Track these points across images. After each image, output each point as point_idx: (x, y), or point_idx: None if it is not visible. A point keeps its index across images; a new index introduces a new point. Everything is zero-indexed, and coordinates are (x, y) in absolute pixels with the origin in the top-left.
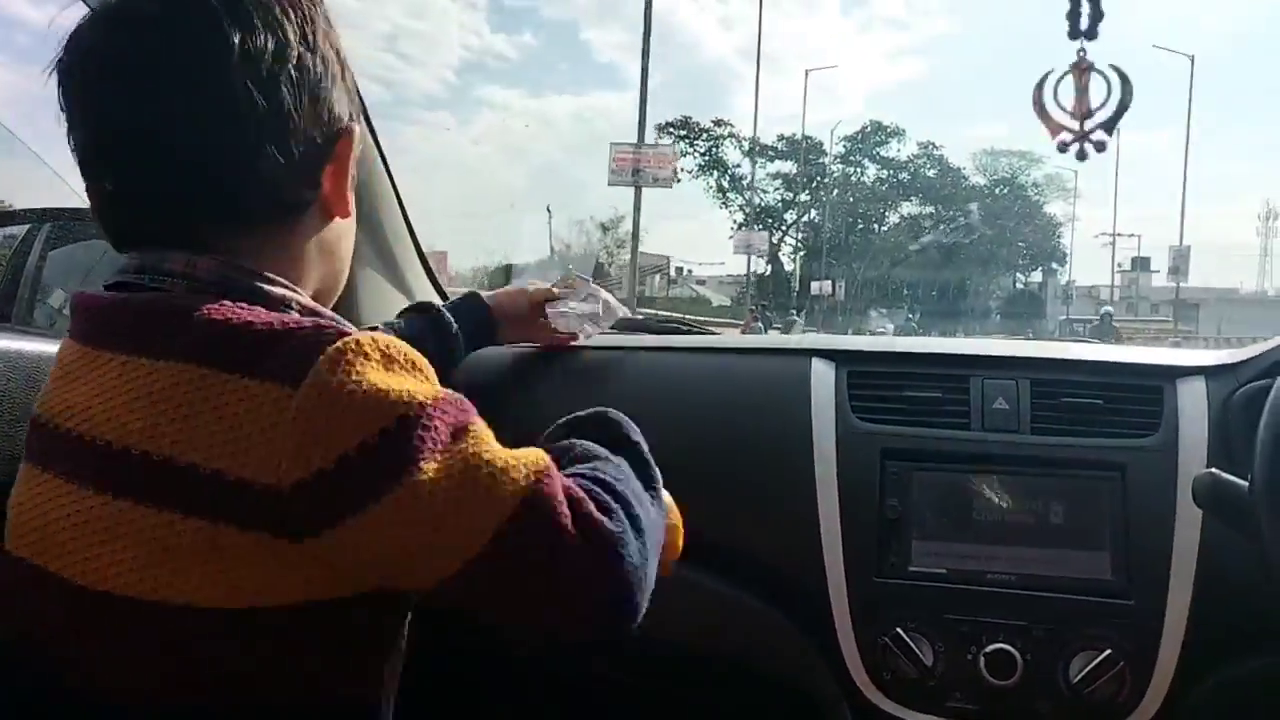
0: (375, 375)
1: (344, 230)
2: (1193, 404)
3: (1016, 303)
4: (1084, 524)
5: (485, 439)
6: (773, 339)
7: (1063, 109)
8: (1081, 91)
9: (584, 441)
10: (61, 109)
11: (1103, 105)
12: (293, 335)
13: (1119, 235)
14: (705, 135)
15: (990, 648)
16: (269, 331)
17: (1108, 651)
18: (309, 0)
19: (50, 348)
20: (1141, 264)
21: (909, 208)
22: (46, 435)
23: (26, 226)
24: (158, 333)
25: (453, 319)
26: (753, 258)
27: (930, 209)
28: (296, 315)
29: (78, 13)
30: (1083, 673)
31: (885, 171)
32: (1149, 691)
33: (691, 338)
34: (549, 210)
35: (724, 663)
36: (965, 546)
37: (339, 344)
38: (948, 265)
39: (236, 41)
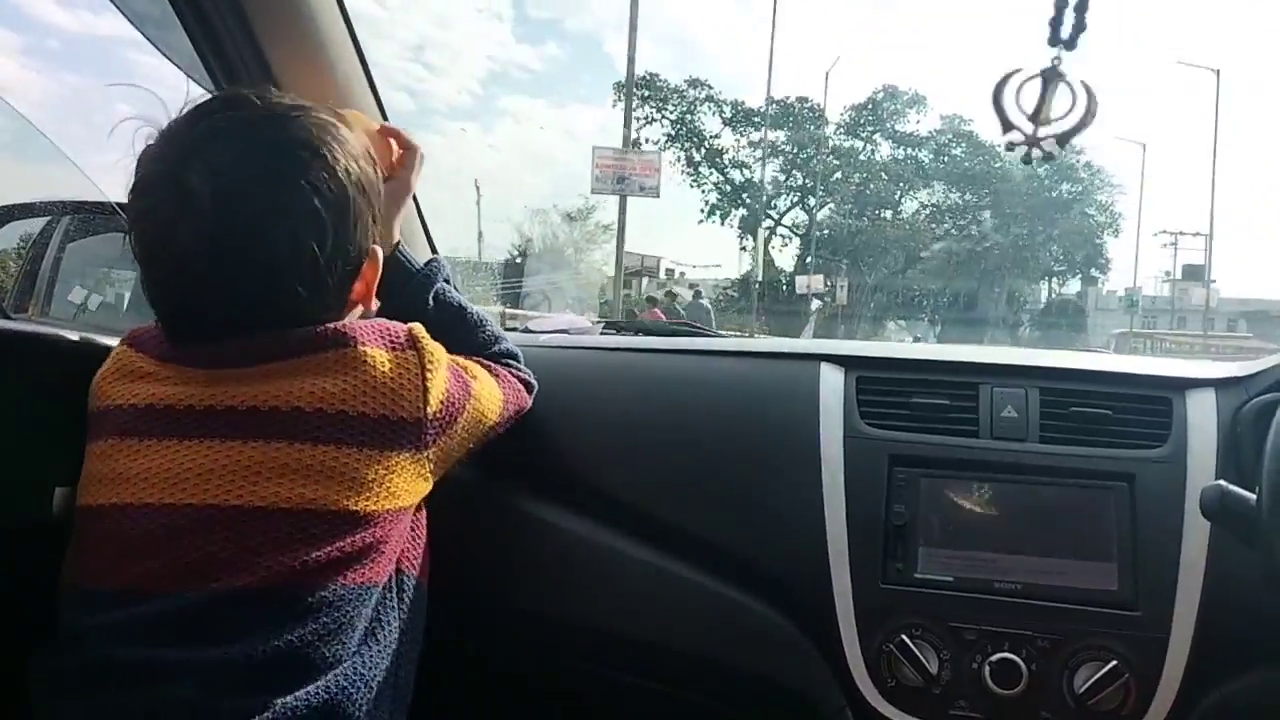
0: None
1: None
2: (1202, 416)
3: (1054, 313)
4: (1091, 534)
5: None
6: (782, 343)
7: (1020, 109)
8: (1045, 98)
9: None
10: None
11: (1062, 117)
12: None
13: (1181, 234)
14: (676, 98)
15: (995, 656)
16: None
17: (1113, 663)
18: (339, 150)
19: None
20: (1190, 272)
21: (930, 194)
22: (194, 413)
23: (45, 220)
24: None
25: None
26: (745, 255)
27: (957, 196)
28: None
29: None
30: (1088, 683)
31: (901, 149)
32: (1154, 703)
33: (699, 340)
34: (477, 187)
35: (727, 667)
36: (972, 554)
37: (413, 327)
38: (972, 269)
39: (286, 218)
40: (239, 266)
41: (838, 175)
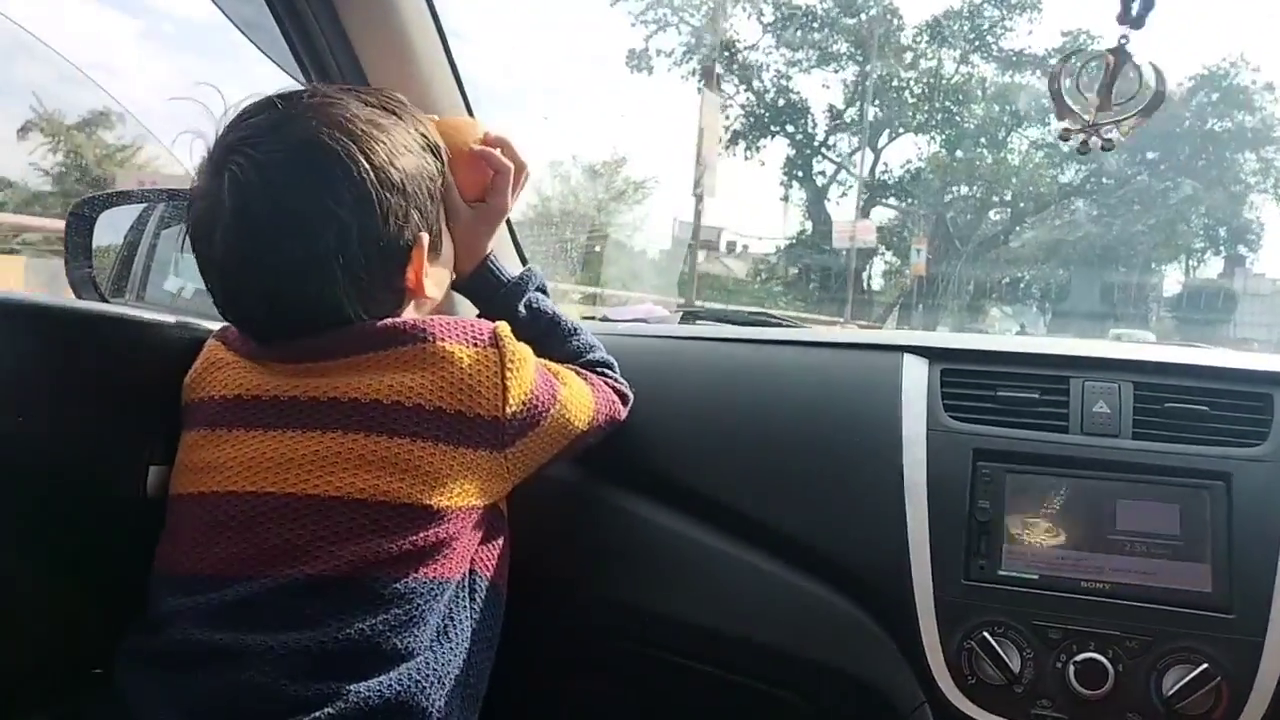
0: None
1: (441, 281)
2: None
3: (1193, 303)
4: (1185, 534)
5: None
6: (864, 333)
7: (1082, 93)
8: (1108, 81)
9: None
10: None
11: (1126, 101)
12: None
13: None
14: None
15: (1080, 656)
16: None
17: (1204, 666)
18: (359, 145)
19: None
20: None
21: (1046, 130)
22: (279, 404)
23: (142, 206)
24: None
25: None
26: (789, 210)
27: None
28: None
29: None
30: (1176, 687)
31: (1006, 73)
32: (1246, 710)
33: (779, 330)
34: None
35: (806, 660)
36: (1058, 552)
37: (497, 326)
38: (1093, 243)
39: (331, 217)
40: (265, 272)
41: (917, 97)
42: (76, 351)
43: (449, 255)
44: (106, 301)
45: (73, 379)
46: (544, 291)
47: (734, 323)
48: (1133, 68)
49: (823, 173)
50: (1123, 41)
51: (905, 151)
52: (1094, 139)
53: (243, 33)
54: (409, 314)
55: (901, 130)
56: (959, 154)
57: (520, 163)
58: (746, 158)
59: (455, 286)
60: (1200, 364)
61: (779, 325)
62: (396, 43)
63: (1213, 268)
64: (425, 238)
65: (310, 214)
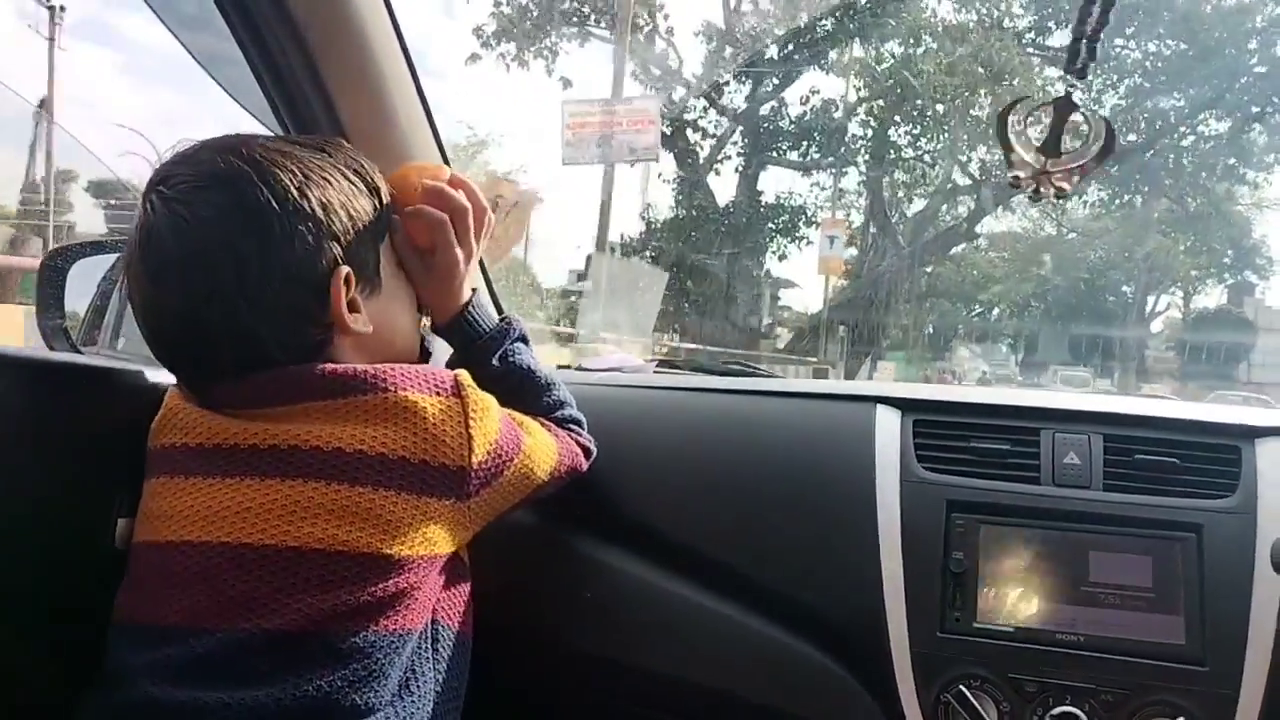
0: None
1: (385, 324)
2: (1273, 465)
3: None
4: (1157, 586)
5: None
6: (837, 384)
7: (1029, 141)
8: (1056, 131)
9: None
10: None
11: (1075, 151)
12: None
13: None
14: None
15: (1057, 710)
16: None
17: (1180, 719)
18: (290, 166)
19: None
20: None
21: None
22: (238, 451)
23: (115, 255)
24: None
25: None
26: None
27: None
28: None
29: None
30: None
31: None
32: None
33: (753, 380)
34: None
35: (780, 712)
36: (1033, 604)
37: (459, 374)
38: (1078, 265)
39: (236, 256)
40: (174, 313)
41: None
42: (45, 402)
43: (402, 293)
44: (79, 351)
45: (41, 429)
46: (525, 341)
47: (709, 371)
48: (1081, 116)
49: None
50: (1069, 92)
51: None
52: (1045, 188)
53: (215, 80)
54: (348, 354)
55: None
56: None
57: (461, 206)
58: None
59: (436, 333)
60: (1169, 416)
61: (755, 374)
62: (373, 93)
63: (1212, 297)
64: (345, 270)
65: (210, 246)
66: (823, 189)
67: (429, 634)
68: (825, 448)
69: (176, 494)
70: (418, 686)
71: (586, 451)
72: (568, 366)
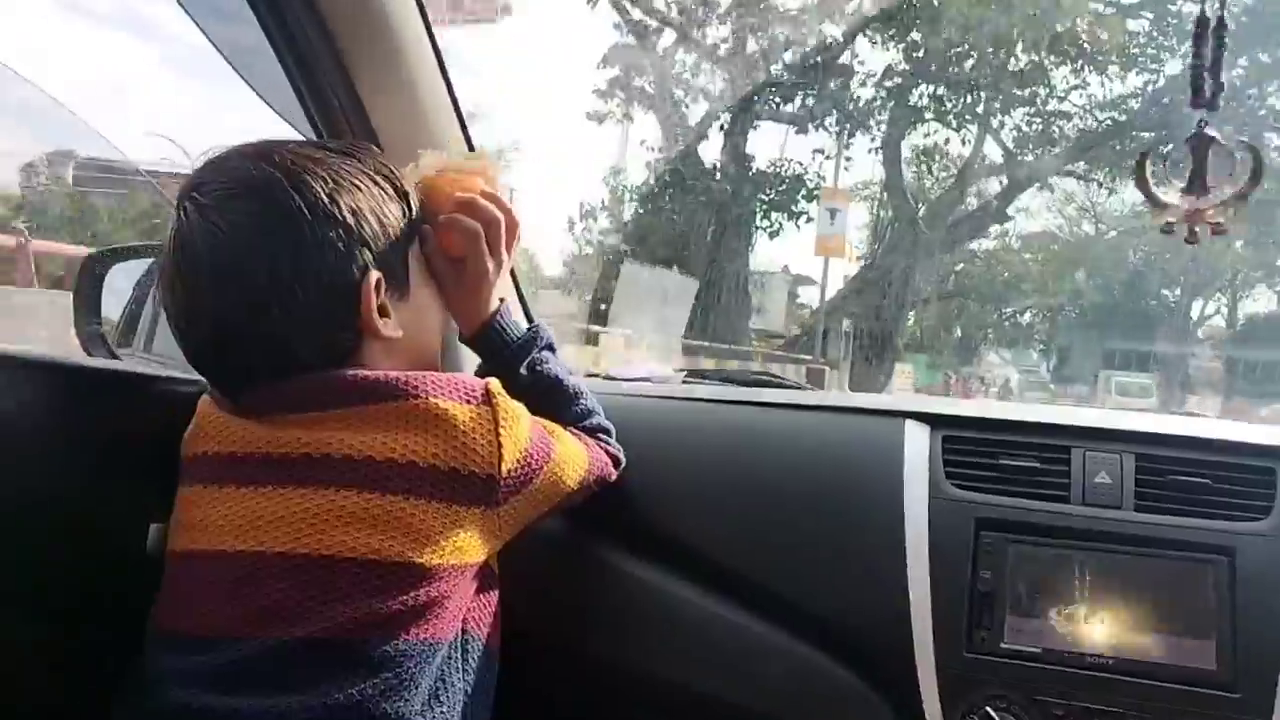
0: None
1: (414, 329)
2: None
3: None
4: (1189, 609)
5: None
6: (866, 398)
7: (1171, 184)
8: (1198, 168)
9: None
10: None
11: (1223, 183)
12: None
13: None
14: None
15: None
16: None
17: None
18: (320, 172)
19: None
20: None
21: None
22: (270, 460)
23: (149, 260)
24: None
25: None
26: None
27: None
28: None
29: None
30: None
31: None
32: None
33: (782, 392)
34: None
35: None
36: (1061, 625)
37: (489, 382)
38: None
39: (268, 262)
40: (208, 318)
41: None
42: (79, 408)
43: (430, 301)
44: (115, 357)
45: (75, 435)
46: (551, 350)
47: (737, 383)
48: (1218, 149)
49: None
50: (1201, 125)
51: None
52: (1200, 226)
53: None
54: (379, 359)
55: None
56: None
57: (492, 217)
58: None
59: (464, 342)
60: (1202, 436)
61: (783, 386)
62: (403, 92)
63: (1261, 302)
64: (375, 275)
65: (243, 253)
66: (826, 156)
67: (459, 643)
68: (853, 462)
69: (210, 503)
70: (447, 695)
71: (615, 460)
72: (596, 374)
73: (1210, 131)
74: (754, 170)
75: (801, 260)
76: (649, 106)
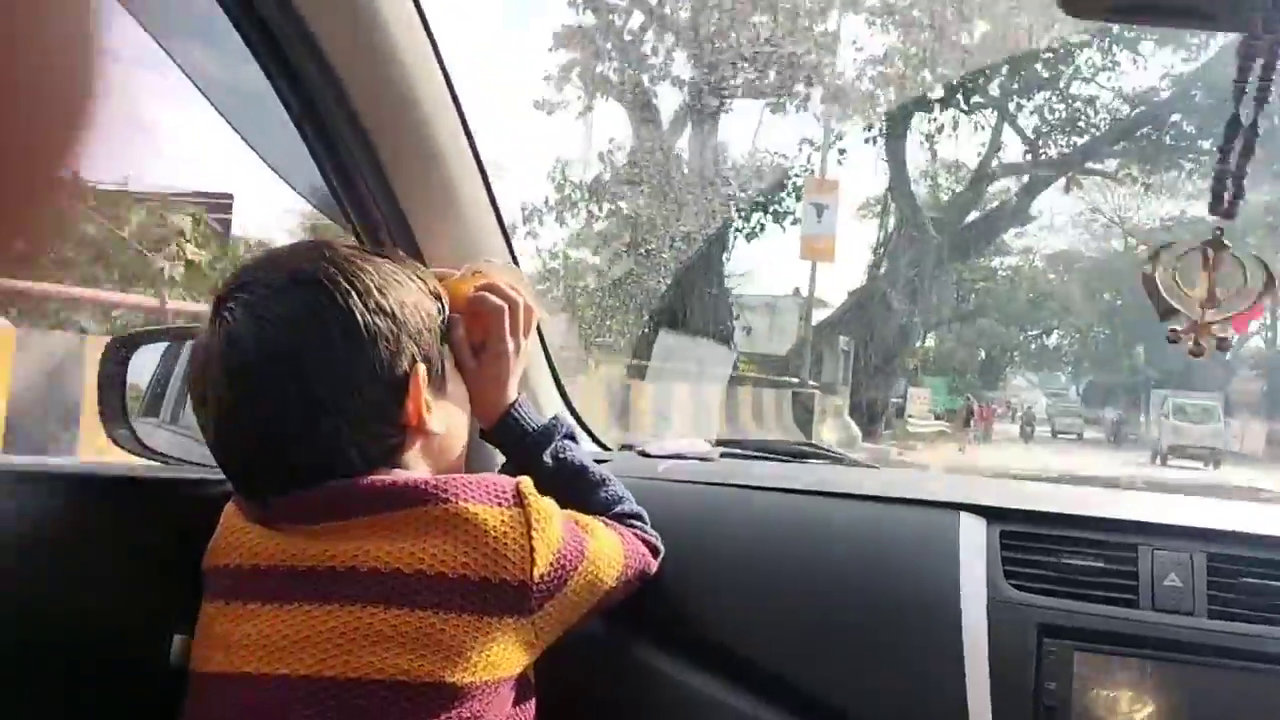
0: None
1: (450, 426)
2: None
3: None
4: None
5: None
6: (917, 484)
7: (1181, 289)
8: (1209, 274)
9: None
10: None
11: (1234, 295)
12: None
13: None
14: None
15: None
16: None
17: None
18: (369, 269)
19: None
20: None
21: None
22: (295, 574)
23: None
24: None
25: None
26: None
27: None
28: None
29: None
30: None
31: None
32: None
33: (827, 472)
34: None
35: None
36: None
37: (520, 482)
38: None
39: (318, 367)
40: (259, 419)
41: None
42: (100, 515)
43: (460, 396)
44: (148, 454)
45: (98, 545)
46: (572, 439)
47: (777, 454)
48: (1234, 260)
49: None
50: (1218, 233)
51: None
52: (1204, 339)
53: (292, 187)
54: (417, 459)
55: None
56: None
57: (511, 301)
58: None
59: (482, 435)
60: (1278, 534)
61: (825, 455)
62: (448, 211)
63: None
64: (422, 368)
65: (299, 351)
66: (815, 147)
67: None
68: (905, 559)
69: (234, 620)
70: None
71: (654, 550)
72: (630, 447)
73: (1225, 240)
74: (729, 164)
75: (786, 267)
76: (611, 94)
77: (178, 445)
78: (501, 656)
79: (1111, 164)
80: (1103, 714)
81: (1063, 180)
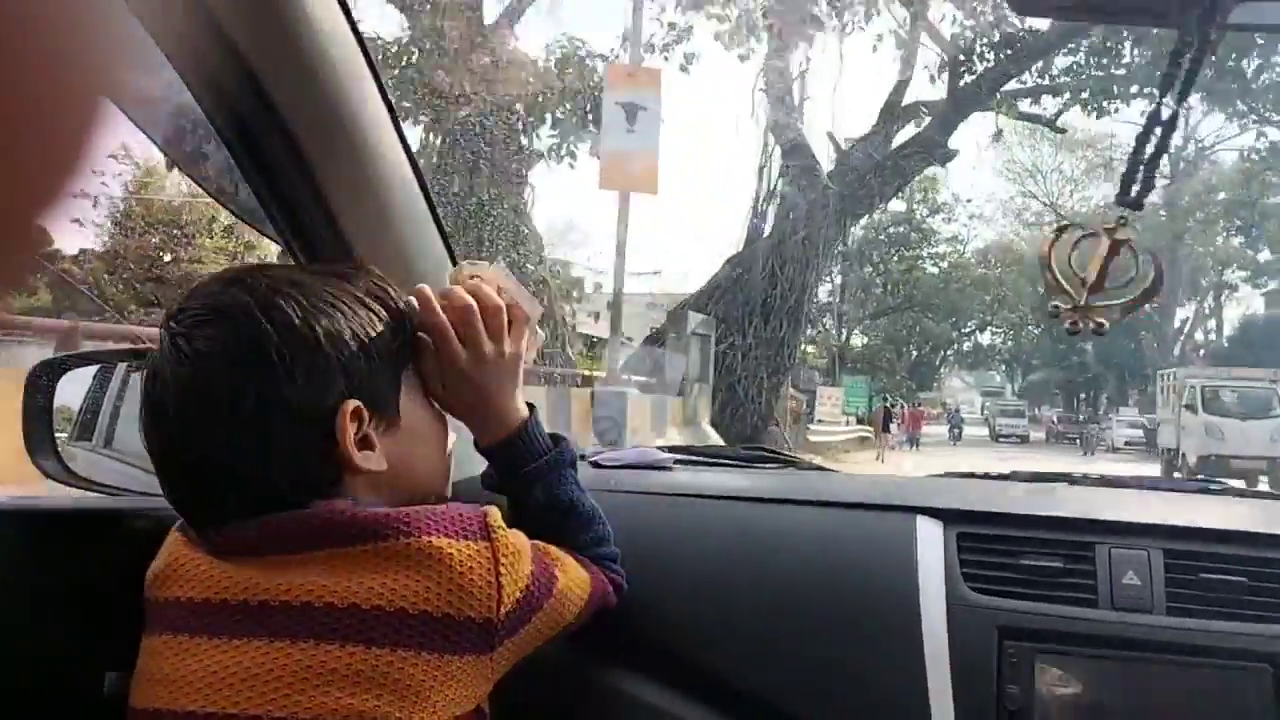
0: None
1: (405, 462)
2: None
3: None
4: None
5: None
6: (872, 489)
7: (1074, 271)
8: (1104, 262)
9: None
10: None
11: (1121, 286)
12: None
13: None
14: None
15: None
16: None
17: None
18: (296, 295)
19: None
20: None
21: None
22: (246, 608)
23: (99, 365)
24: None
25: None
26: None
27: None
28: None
29: None
30: None
31: None
32: None
33: (782, 477)
34: None
35: None
36: None
37: (487, 512)
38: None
39: (235, 401)
40: (183, 452)
41: None
42: (30, 551)
43: (425, 430)
44: (80, 482)
45: (30, 579)
46: (574, 466)
47: (729, 459)
48: (1130, 252)
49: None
50: (1121, 222)
51: None
52: (1083, 321)
53: (217, 199)
54: (364, 492)
55: None
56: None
57: (494, 304)
58: None
59: (480, 452)
60: (1233, 528)
61: (780, 460)
62: (377, 206)
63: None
64: (353, 403)
65: (207, 381)
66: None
67: None
68: (863, 565)
69: (178, 655)
70: None
71: (618, 588)
72: (582, 459)
73: (1128, 233)
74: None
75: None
76: None
77: (112, 472)
78: (460, 694)
79: (1052, 106)
80: (1065, 716)
81: (990, 123)
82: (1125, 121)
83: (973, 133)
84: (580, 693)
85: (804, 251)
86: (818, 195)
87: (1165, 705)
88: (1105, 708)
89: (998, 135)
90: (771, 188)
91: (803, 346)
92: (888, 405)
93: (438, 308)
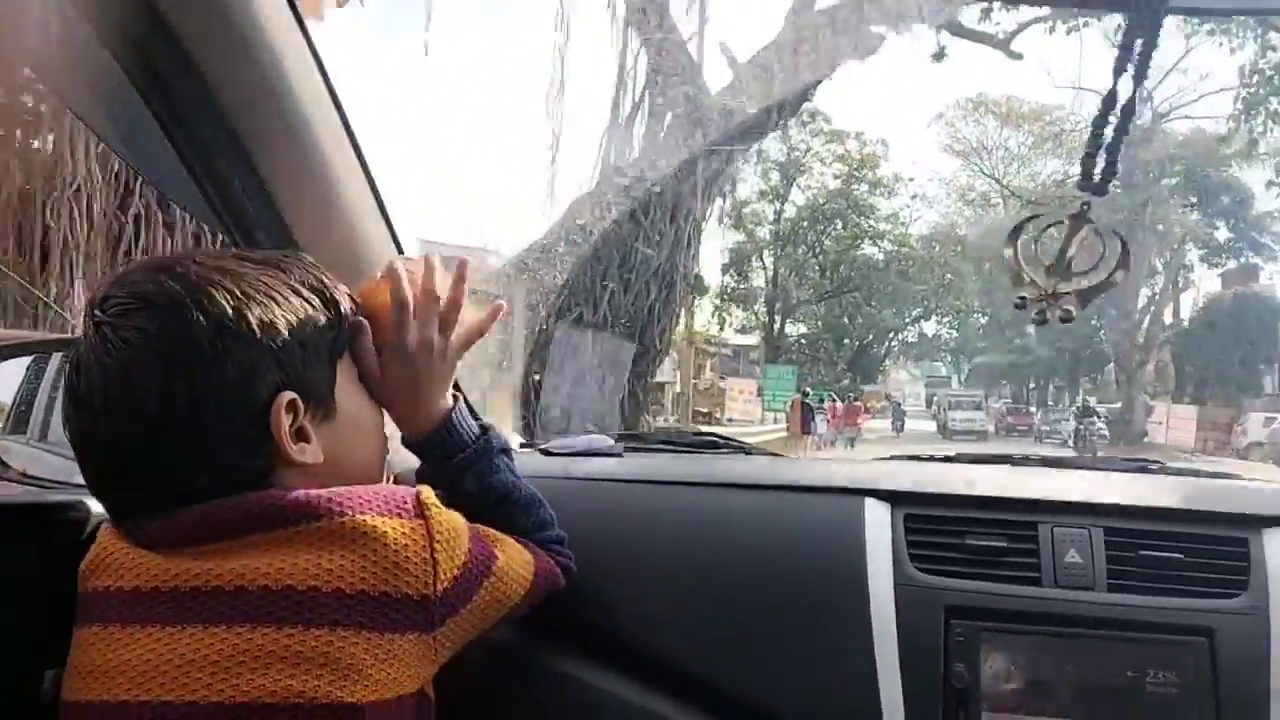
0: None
1: (341, 452)
2: None
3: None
4: (1170, 694)
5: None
6: (822, 473)
7: (1038, 260)
8: (1066, 247)
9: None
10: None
11: (1086, 272)
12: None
13: None
14: None
15: None
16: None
17: None
18: (228, 285)
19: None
20: None
21: None
22: (178, 595)
23: (34, 356)
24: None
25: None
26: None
27: None
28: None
29: None
30: None
31: None
32: None
33: (729, 464)
34: None
35: None
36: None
37: (421, 491)
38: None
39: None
40: (102, 445)
41: None
42: None
43: (361, 420)
44: (13, 476)
45: None
46: (506, 454)
47: (679, 444)
48: (1094, 234)
49: None
50: (1084, 208)
51: None
52: (1050, 310)
53: (157, 187)
54: (298, 484)
55: None
56: None
57: (417, 293)
58: None
59: (407, 446)
60: (1171, 507)
61: (729, 446)
62: (321, 195)
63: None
64: (287, 395)
65: (134, 373)
66: None
67: None
68: (812, 547)
69: (110, 645)
70: None
71: (567, 570)
72: (530, 447)
73: (1090, 215)
74: None
75: None
76: None
77: (48, 466)
78: (403, 673)
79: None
80: (1010, 693)
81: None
82: (1080, 89)
83: (909, 49)
84: (531, 678)
85: (673, 196)
86: (701, 118)
87: (1107, 680)
88: (1049, 683)
89: (939, 55)
90: (636, 104)
91: (683, 325)
92: (805, 400)
93: (406, 284)
